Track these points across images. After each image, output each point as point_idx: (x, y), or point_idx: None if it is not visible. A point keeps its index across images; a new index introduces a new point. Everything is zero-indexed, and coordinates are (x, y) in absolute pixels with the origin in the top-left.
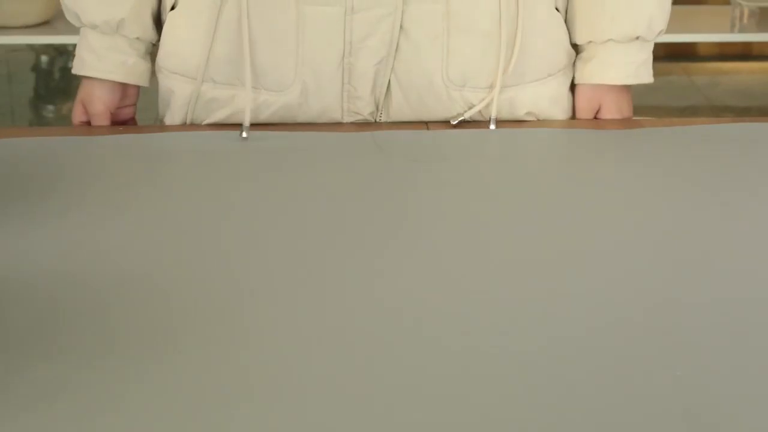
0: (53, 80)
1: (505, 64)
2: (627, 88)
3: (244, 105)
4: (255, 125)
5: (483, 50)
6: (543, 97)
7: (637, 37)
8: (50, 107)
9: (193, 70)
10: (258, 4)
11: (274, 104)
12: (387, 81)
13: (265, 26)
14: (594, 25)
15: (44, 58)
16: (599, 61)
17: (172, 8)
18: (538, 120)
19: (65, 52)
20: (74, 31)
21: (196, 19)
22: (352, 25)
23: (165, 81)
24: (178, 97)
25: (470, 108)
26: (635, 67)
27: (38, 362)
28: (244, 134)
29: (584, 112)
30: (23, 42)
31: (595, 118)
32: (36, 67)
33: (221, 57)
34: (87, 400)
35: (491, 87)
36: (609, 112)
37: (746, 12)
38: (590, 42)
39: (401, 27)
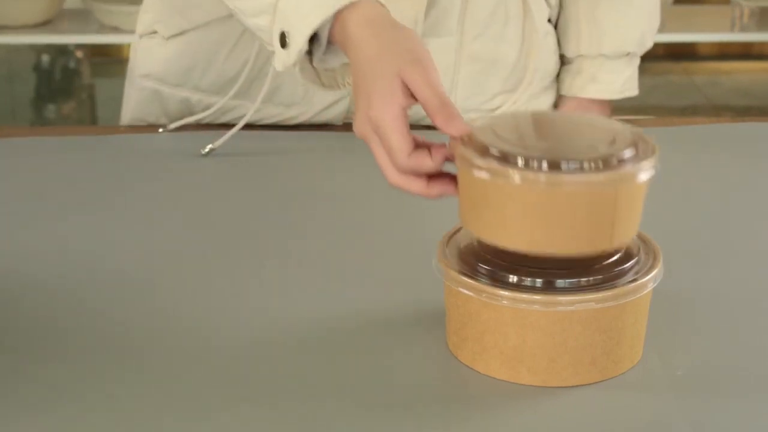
0: (54, 80)
1: (523, 89)
2: (609, 101)
3: (244, 115)
4: (254, 126)
5: (491, 77)
6: (540, 107)
7: (627, 53)
8: (51, 107)
9: (198, 84)
10: None
11: (279, 116)
12: None
13: None
14: (586, 40)
15: (45, 58)
16: (588, 75)
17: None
18: None
19: (66, 52)
20: (75, 30)
21: (207, 40)
22: None
23: (168, 91)
24: (178, 106)
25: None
26: (622, 83)
27: (38, 362)
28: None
29: None
30: (24, 42)
31: None
32: (37, 67)
33: (230, 75)
34: (87, 401)
35: (496, 109)
36: None
37: (746, 12)
38: (580, 56)
39: None
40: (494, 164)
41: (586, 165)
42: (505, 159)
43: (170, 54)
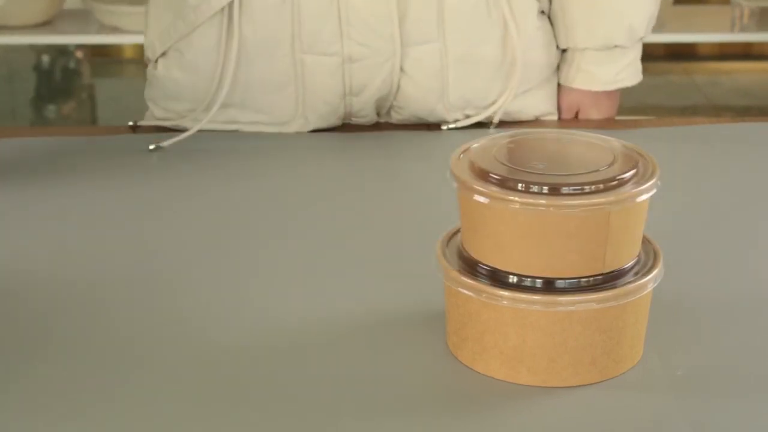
0: (54, 80)
1: (514, 85)
2: (615, 91)
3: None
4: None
5: (482, 75)
6: (541, 100)
7: (615, 46)
8: (51, 107)
9: (189, 109)
10: (255, 51)
11: (277, 130)
12: (388, 106)
13: (264, 72)
14: (572, 33)
15: (45, 58)
16: (578, 66)
17: (163, 54)
18: (537, 120)
19: (66, 52)
20: (75, 30)
21: (196, 64)
22: (351, 73)
23: (160, 113)
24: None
25: (468, 117)
26: (615, 73)
27: (38, 362)
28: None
29: (565, 112)
30: (24, 42)
31: (576, 117)
32: (37, 67)
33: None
34: (86, 401)
35: (493, 104)
36: (587, 115)
37: (746, 12)
38: (569, 47)
39: (401, 69)
40: (494, 189)
41: (587, 188)
42: (505, 184)
43: (158, 76)
